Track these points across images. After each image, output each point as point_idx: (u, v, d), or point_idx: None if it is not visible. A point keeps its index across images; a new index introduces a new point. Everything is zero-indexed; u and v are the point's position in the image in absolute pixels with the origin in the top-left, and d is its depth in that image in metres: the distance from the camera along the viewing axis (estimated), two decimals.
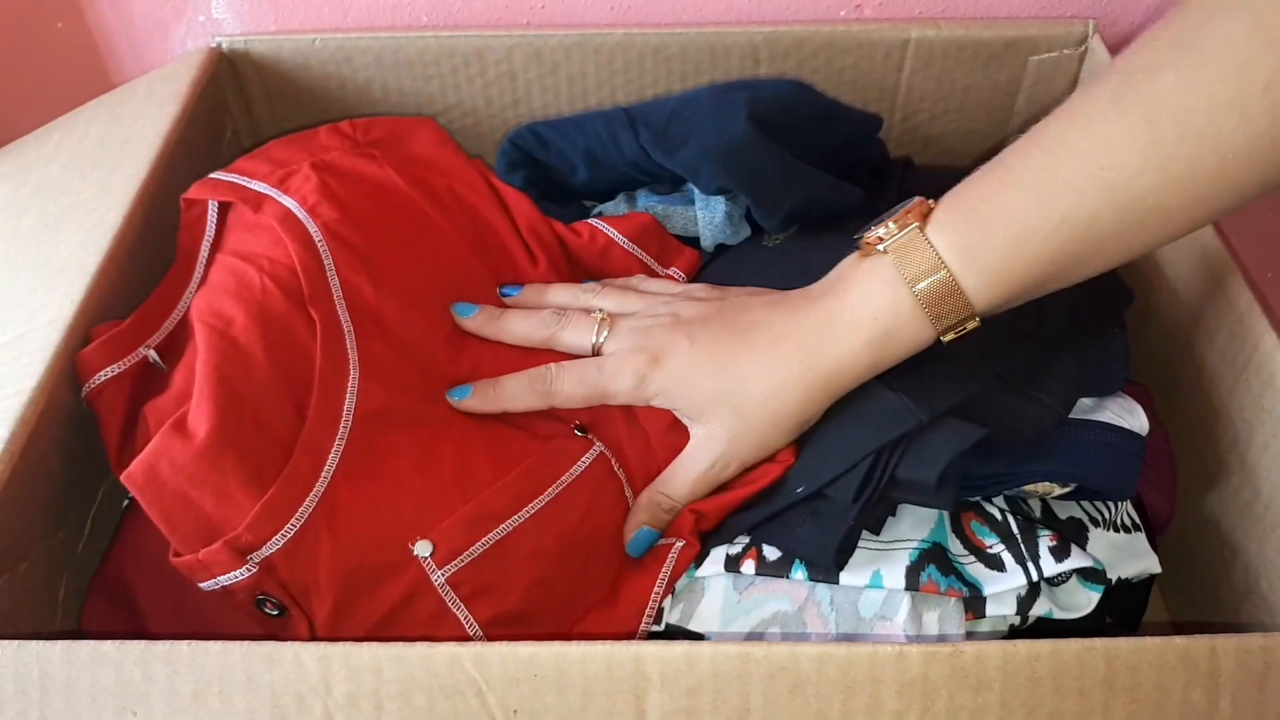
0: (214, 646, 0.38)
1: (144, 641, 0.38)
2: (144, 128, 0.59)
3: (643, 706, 0.37)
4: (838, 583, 0.45)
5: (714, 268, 0.59)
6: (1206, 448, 0.53)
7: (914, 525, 0.47)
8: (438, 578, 0.44)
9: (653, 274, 0.58)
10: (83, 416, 0.48)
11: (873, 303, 0.45)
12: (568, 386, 0.50)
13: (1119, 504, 0.51)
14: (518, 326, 0.53)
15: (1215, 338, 0.52)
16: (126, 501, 0.52)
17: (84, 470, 0.49)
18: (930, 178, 0.65)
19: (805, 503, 0.46)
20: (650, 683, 0.37)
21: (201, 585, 0.43)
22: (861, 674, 0.37)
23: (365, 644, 0.37)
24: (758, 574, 0.46)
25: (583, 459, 0.49)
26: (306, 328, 0.48)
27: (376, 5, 0.69)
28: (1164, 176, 0.40)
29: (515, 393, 0.50)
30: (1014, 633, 0.47)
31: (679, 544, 0.47)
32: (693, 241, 0.60)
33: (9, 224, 0.56)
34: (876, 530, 0.47)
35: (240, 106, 0.68)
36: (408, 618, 0.44)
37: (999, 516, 0.47)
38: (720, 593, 0.46)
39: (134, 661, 0.38)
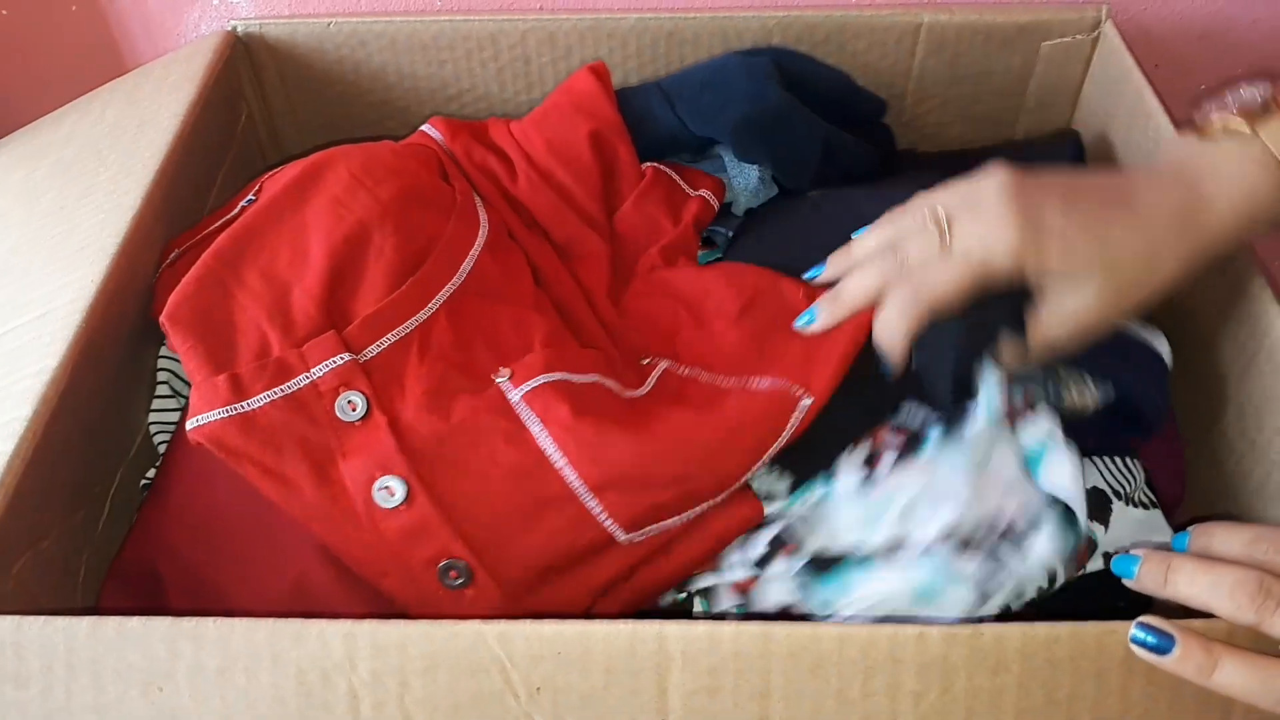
0: (239, 623, 0.38)
1: (169, 618, 0.38)
2: (160, 111, 0.59)
3: (665, 685, 0.38)
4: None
5: (760, 223, 0.59)
6: (1215, 431, 0.53)
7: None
8: (514, 396, 0.47)
9: (679, 190, 0.59)
10: (104, 397, 0.49)
11: (1248, 180, 0.47)
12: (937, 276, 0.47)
13: (1137, 479, 0.51)
14: (855, 286, 0.49)
15: (1226, 323, 0.53)
16: (144, 482, 0.52)
17: (104, 450, 0.49)
18: (938, 162, 0.66)
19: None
20: (672, 661, 0.38)
21: None
22: (882, 654, 0.37)
23: (390, 621, 0.38)
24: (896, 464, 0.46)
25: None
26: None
27: None
28: None
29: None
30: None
31: (806, 402, 0.46)
32: (725, 207, 0.60)
33: (26, 206, 0.56)
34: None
35: (255, 90, 0.68)
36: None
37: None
38: (850, 506, 0.46)
39: (159, 638, 0.38)
